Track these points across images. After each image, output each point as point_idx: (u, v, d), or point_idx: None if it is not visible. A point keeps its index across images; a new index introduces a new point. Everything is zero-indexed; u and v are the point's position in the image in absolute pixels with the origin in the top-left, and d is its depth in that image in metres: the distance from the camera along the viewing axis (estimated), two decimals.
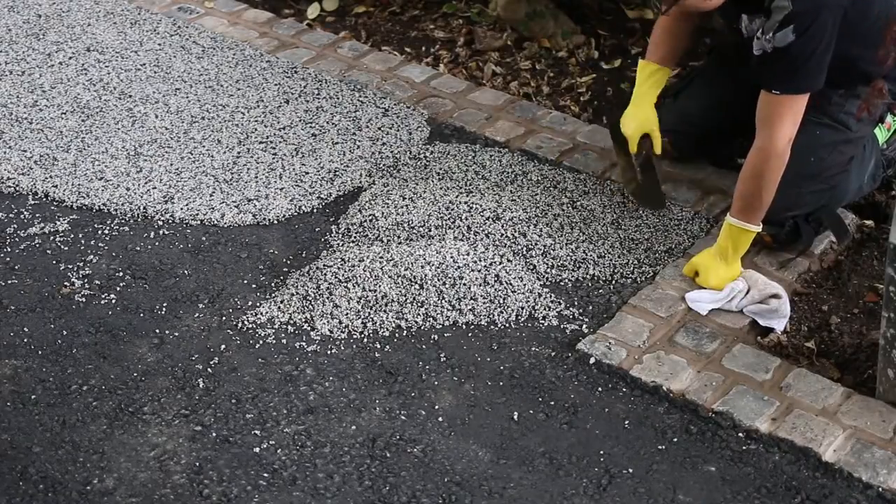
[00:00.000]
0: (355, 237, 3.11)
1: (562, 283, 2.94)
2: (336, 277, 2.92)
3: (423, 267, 2.93)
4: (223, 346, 2.78)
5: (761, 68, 2.73)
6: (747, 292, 2.81)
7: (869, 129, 2.99)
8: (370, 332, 2.81)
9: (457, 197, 3.20)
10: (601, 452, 2.50)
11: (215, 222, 3.19)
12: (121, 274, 3.01)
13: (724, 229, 2.84)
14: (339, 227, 3.16)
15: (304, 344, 2.78)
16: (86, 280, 2.99)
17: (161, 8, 4.29)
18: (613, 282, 2.95)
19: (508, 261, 2.96)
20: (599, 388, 2.66)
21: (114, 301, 2.92)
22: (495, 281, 2.90)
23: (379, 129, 3.55)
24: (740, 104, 2.91)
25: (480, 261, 2.95)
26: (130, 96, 3.74)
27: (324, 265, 2.97)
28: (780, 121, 2.71)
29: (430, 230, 3.09)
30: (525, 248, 3.02)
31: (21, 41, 4.06)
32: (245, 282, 2.99)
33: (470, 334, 2.81)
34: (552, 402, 2.62)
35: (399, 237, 3.08)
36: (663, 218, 3.14)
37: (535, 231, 3.07)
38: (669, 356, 2.70)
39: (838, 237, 2.98)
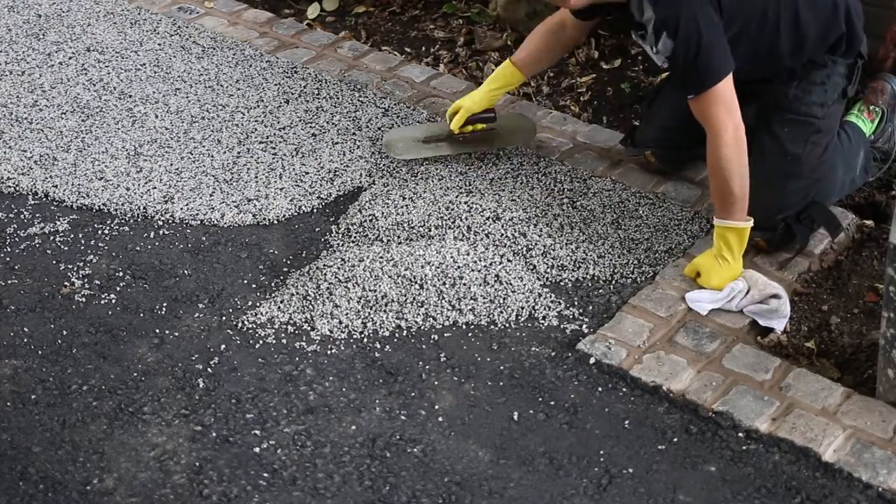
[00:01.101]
0: (355, 237, 3.11)
1: (562, 283, 2.94)
2: (336, 277, 2.92)
3: (423, 267, 2.93)
4: (223, 346, 2.78)
5: (671, 78, 2.83)
6: (747, 292, 2.81)
7: (837, 109, 2.97)
8: (370, 332, 2.81)
9: (457, 197, 3.20)
10: (601, 452, 2.50)
11: (215, 222, 3.19)
12: (121, 274, 3.01)
13: (716, 230, 2.84)
14: (339, 227, 3.16)
15: (304, 344, 2.78)
16: (86, 280, 2.99)
17: (161, 8, 4.29)
18: (613, 282, 2.94)
19: (508, 261, 2.96)
20: (599, 388, 2.66)
21: (114, 301, 2.92)
22: (495, 281, 2.90)
23: (379, 129, 3.55)
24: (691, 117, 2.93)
25: (480, 261, 2.95)
26: (130, 96, 3.74)
27: (324, 265, 2.97)
28: (712, 116, 2.73)
29: (430, 230, 3.09)
30: (525, 248, 3.02)
31: (21, 41, 4.06)
32: (245, 282, 2.99)
33: (470, 334, 2.81)
34: (552, 402, 2.62)
35: (399, 237, 3.08)
36: (663, 218, 3.13)
37: (535, 231, 3.07)
38: (669, 356, 2.70)
39: (831, 232, 2.96)
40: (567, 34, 3.22)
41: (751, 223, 2.81)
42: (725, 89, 2.72)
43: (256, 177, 3.35)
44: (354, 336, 2.80)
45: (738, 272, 2.84)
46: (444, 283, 2.89)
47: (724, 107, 2.72)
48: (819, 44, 2.86)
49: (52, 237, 3.14)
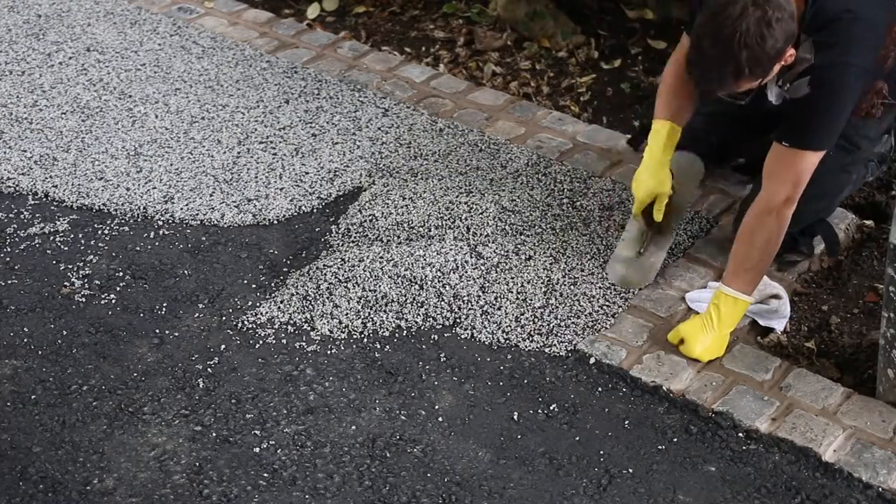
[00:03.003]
0: (355, 237, 3.11)
1: (562, 283, 2.93)
2: (336, 277, 2.92)
3: (423, 267, 2.93)
4: (223, 346, 2.78)
5: (778, 117, 2.63)
6: None
7: (875, 148, 2.89)
8: (370, 332, 2.81)
9: (457, 197, 3.20)
10: (601, 452, 2.50)
11: (215, 222, 3.19)
12: (121, 274, 3.01)
13: (714, 295, 2.70)
14: (339, 227, 3.16)
15: (304, 344, 2.78)
16: (86, 280, 2.99)
17: (161, 8, 4.29)
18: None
19: (508, 260, 2.96)
20: (599, 388, 2.66)
21: (114, 301, 2.92)
22: (495, 281, 2.90)
23: (379, 129, 3.55)
24: (745, 117, 2.86)
25: (480, 260, 2.94)
26: (130, 96, 3.74)
27: (324, 265, 2.97)
28: (781, 176, 2.59)
29: (429, 230, 3.08)
30: (525, 248, 3.02)
31: (21, 41, 4.06)
32: (245, 282, 2.99)
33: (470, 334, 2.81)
34: (552, 402, 2.62)
35: (399, 237, 3.08)
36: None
37: (535, 231, 3.07)
38: (669, 356, 2.70)
39: (830, 251, 2.95)
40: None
41: (751, 301, 2.69)
42: (810, 162, 2.58)
43: (256, 177, 3.35)
44: (354, 336, 2.80)
45: (722, 350, 2.68)
46: (445, 285, 2.89)
47: (795, 175, 2.58)
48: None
49: (52, 237, 3.14)
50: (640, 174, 2.88)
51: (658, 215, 2.90)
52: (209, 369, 2.71)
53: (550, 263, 2.98)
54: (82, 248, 3.11)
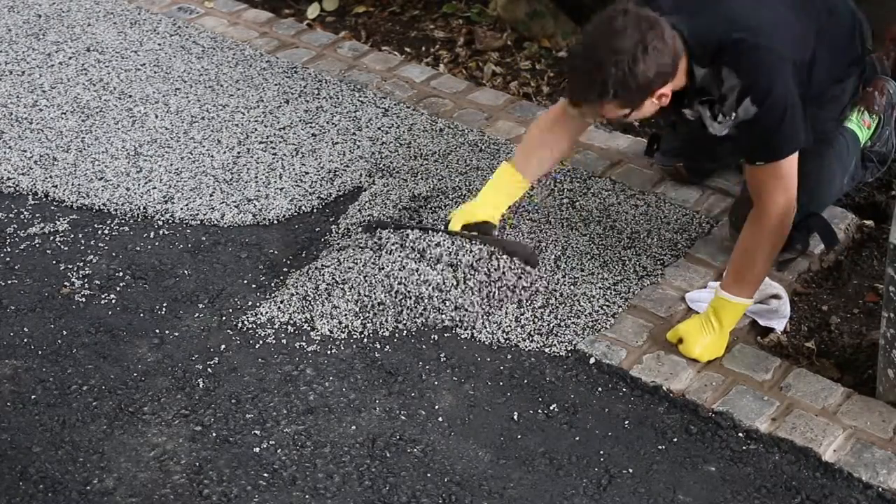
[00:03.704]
0: (355, 237, 3.10)
1: (562, 283, 2.93)
2: (334, 279, 2.91)
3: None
4: (223, 346, 2.78)
5: (736, 145, 2.64)
6: None
7: (837, 125, 2.91)
8: (370, 332, 2.81)
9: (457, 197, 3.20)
10: (601, 452, 2.50)
11: (215, 222, 3.19)
12: (121, 274, 3.01)
13: (713, 299, 2.69)
14: (339, 227, 3.16)
15: (303, 344, 2.78)
16: (86, 280, 2.99)
17: (161, 8, 4.29)
18: (613, 282, 2.94)
19: (508, 259, 2.96)
20: (599, 388, 2.66)
21: (114, 301, 2.92)
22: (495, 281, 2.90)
23: (379, 129, 3.55)
24: (706, 148, 2.88)
25: (480, 259, 2.94)
26: (130, 96, 3.74)
27: (322, 265, 2.97)
28: (771, 191, 2.59)
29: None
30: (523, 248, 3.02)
31: (21, 41, 4.06)
32: (245, 282, 2.99)
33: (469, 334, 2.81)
34: (552, 402, 2.62)
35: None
36: (663, 218, 3.13)
37: (535, 231, 3.07)
38: (669, 356, 2.70)
39: (827, 244, 2.94)
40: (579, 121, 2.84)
41: (751, 303, 2.69)
42: (792, 164, 2.58)
43: (256, 177, 3.35)
44: (354, 336, 2.80)
45: (722, 351, 2.68)
46: (445, 284, 2.89)
47: (782, 183, 2.58)
48: (837, 71, 2.80)
49: (52, 237, 3.14)
50: (465, 210, 2.89)
51: (450, 227, 2.86)
52: (209, 369, 2.71)
53: (550, 263, 2.98)
54: (82, 248, 3.11)
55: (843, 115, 2.94)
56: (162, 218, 3.21)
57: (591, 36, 2.49)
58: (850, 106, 2.95)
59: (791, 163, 2.59)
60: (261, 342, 2.79)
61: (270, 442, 2.52)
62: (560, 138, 2.87)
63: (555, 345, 2.76)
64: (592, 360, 2.71)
